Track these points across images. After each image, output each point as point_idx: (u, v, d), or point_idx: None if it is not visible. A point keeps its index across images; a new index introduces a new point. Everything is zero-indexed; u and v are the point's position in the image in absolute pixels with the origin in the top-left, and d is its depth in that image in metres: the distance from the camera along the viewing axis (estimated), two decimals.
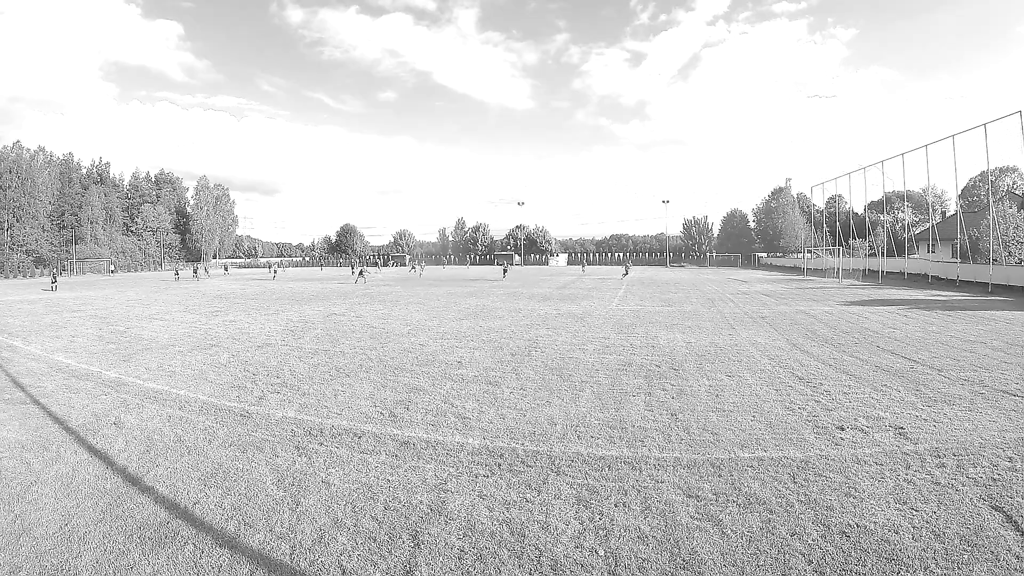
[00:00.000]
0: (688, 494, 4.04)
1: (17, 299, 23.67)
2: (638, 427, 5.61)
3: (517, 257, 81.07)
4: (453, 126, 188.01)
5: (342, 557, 3.28)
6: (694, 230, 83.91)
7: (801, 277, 39.00)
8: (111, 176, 73.85)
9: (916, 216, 57.16)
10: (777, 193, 77.96)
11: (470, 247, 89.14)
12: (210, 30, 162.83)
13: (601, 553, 3.29)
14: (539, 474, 4.46)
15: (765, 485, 4.16)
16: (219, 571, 3.15)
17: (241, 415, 6.20)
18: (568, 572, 3.11)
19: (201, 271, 47.99)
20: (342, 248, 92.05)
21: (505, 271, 42.43)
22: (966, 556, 3.15)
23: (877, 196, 41.39)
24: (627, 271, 43.79)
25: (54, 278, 32.37)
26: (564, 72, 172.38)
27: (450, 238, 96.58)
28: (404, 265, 77.06)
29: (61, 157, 66.79)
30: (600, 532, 3.53)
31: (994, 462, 4.50)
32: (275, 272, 47.99)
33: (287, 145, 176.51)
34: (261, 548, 3.38)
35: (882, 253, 37.17)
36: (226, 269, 61.14)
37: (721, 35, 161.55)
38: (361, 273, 36.04)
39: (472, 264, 78.95)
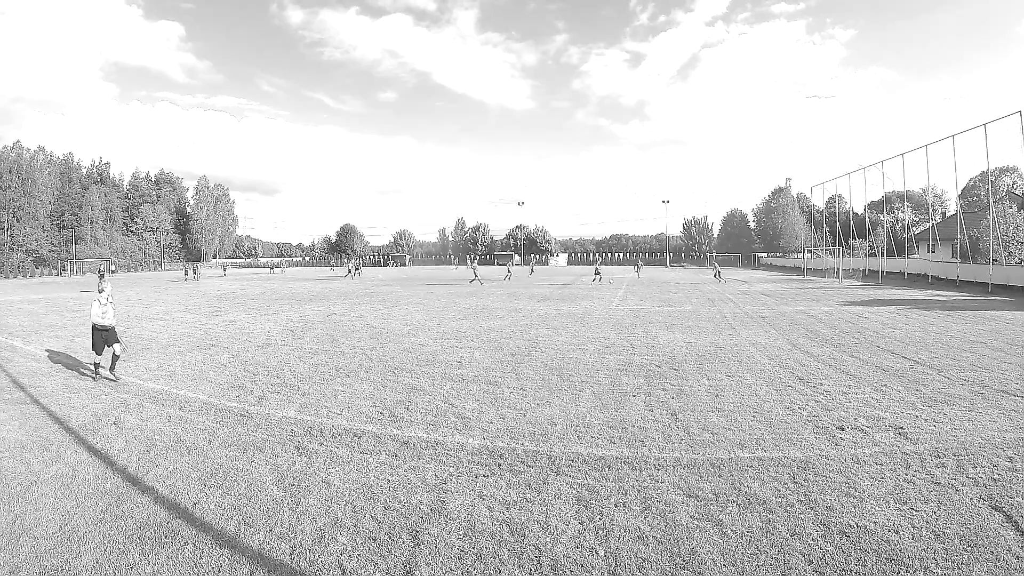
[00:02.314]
0: (688, 494, 4.04)
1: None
2: (638, 427, 5.61)
3: (517, 257, 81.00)
4: (453, 126, 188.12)
5: (342, 557, 3.28)
6: (694, 230, 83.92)
7: (801, 277, 39.00)
8: (111, 176, 73.86)
9: (916, 216, 57.16)
10: (777, 193, 77.96)
11: (470, 247, 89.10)
12: (211, 31, 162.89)
13: (601, 553, 3.29)
14: (539, 474, 4.46)
15: (765, 485, 4.16)
16: (219, 571, 3.14)
17: (241, 415, 6.20)
18: (568, 572, 3.11)
19: (191, 274, 45.80)
20: (342, 248, 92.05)
21: (475, 273, 34.28)
22: (966, 556, 3.15)
23: (877, 196, 41.46)
24: (717, 274, 35.60)
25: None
26: (564, 72, 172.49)
27: (450, 238, 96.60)
28: (404, 265, 77.05)
29: (61, 157, 66.77)
30: (600, 532, 3.53)
31: (994, 462, 4.50)
32: (358, 271, 42.44)
33: (287, 145, 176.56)
34: (261, 548, 3.38)
35: (882, 253, 37.17)
36: (225, 270, 59.73)
37: (720, 36, 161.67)
38: (475, 273, 33.36)
39: (457, 264, 77.17)
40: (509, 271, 37.09)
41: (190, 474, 4.52)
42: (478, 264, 39.21)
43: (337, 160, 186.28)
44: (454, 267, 64.82)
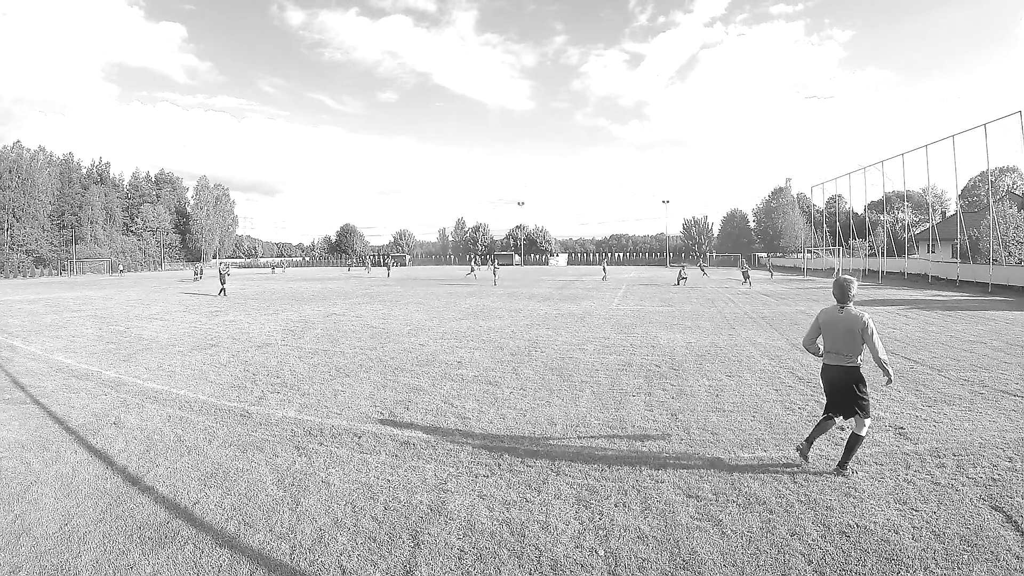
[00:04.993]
0: (688, 494, 4.04)
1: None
2: (638, 427, 5.61)
3: (517, 257, 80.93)
4: (453, 126, 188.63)
5: (342, 557, 3.28)
6: (694, 230, 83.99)
7: (801, 277, 39.01)
8: (111, 176, 73.96)
9: (916, 216, 57.20)
10: (777, 193, 78.02)
11: (470, 247, 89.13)
12: (213, 32, 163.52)
13: (601, 553, 3.29)
14: (539, 474, 4.46)
15: (765, 485, 4.16)
16: (219, 571, 3.14)
17: (241, 415, 6.20)
18: (568, 572, 3.11)
19: (195, 273, 45.09)
20: (342, 248, 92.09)
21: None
22: (966, 556, 3.15)
23: (877, 196, 41.42)
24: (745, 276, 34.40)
25: (225, 272, 25.02)
26: (563, 73, 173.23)
27: (450, 238, 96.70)
28: (404, 264, 76.92)
29: (61, 157, 66.84)
30: (600, 532, 3.53)
31: (994, 462, 4.49)
32: (474, 271, 39.03)
33: (287, 146, 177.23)
34: (261, 548, 3.38)
35: (882, 253, 37.19)
36: (228, 270, 58.28)
37: (719, 36, 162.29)
38: (495, 272, 33.83)
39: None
40: (473, 270, 35.34)
41: (190, 474, 4.52)
42: (494, 264, 38.68)
43: (337, 160, 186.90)
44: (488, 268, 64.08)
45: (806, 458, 4.56)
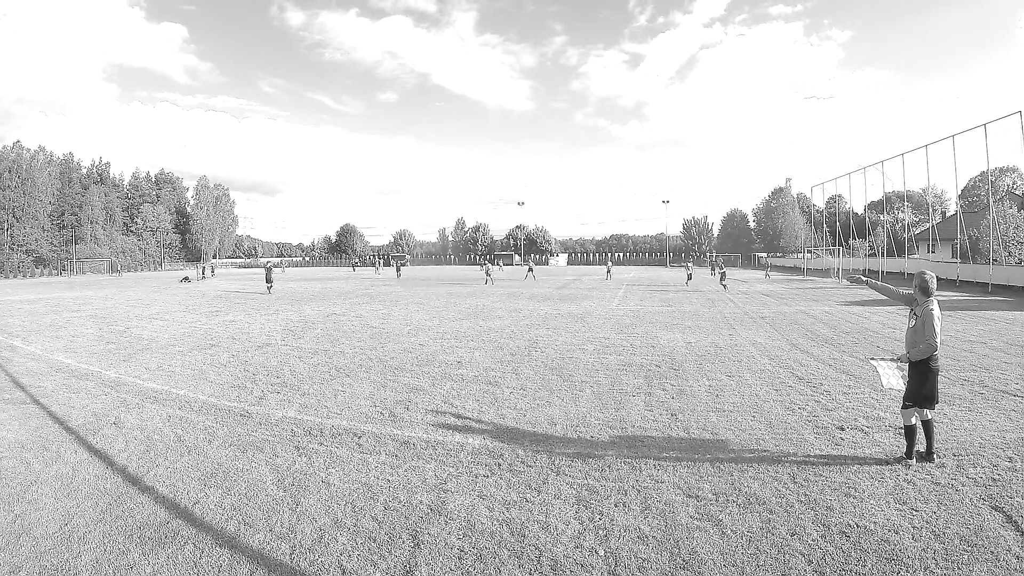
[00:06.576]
0: (688, 494, 4.04)
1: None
2: (638, 427, 5.61)
3: (517, 257, 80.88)
4: (453, 126, 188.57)
5: (342, 557, 3.28)
6: (694, 230, 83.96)
7: (801, 277, 39.01)
8: (111, 176, 73.92)
9: (916, 216, 57.20)
10: (777, 193, 77.99)
11: (470, 247, 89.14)
12: (213, 33, 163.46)
13: (601, 553, 3.29)
14: (539, 474, 4.46)
15: (765, 485, 4.16)
16: (219, 571, 3.14)
17: (241, 415, 6.20)
18: (568, 572, 3.11)
19: (197, 273, 44.28)
20: (342, 248, 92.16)
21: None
22: (966, 556, 3.15)
23: (877, 196, 41.43)
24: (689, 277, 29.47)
25: (277, 268, 25.30)
26: (563, 73, 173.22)
27: (450, 238, 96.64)
28: (405, 264, 76.85)
29: (61, 157, 66.79)
30: (600, 532, 3.53)
31: (994, 462, 4.49)
32: (490, 275, 33.37)
33: (288, 146, 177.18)
34: (261, 548, 3.38)
35: (882, 253, 37.18)
36: (213, 271, 55.64)
37: (718, 37, 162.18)
38: (488, 273, 32.95)
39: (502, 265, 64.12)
40: (508, 268, 34.78)
41: (190, 474, 4.52)
42: (496, 265, 37.39)
43: (337, 160, 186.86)
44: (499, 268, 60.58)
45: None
